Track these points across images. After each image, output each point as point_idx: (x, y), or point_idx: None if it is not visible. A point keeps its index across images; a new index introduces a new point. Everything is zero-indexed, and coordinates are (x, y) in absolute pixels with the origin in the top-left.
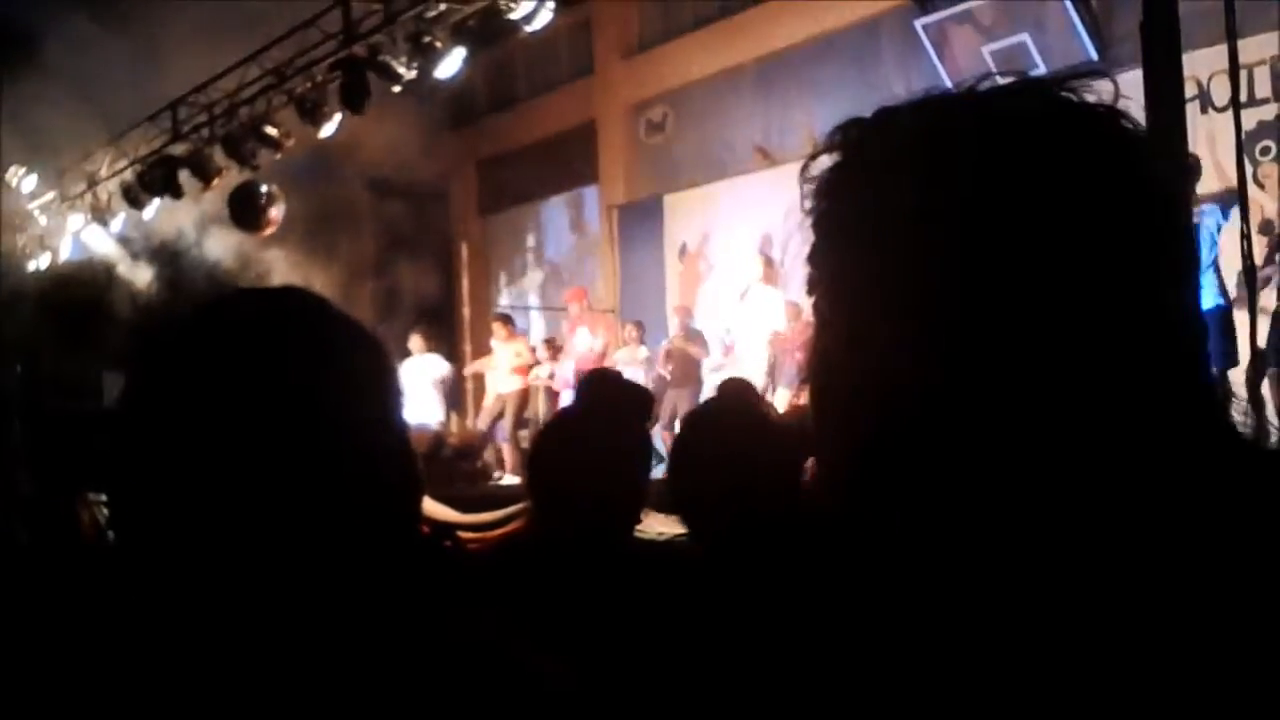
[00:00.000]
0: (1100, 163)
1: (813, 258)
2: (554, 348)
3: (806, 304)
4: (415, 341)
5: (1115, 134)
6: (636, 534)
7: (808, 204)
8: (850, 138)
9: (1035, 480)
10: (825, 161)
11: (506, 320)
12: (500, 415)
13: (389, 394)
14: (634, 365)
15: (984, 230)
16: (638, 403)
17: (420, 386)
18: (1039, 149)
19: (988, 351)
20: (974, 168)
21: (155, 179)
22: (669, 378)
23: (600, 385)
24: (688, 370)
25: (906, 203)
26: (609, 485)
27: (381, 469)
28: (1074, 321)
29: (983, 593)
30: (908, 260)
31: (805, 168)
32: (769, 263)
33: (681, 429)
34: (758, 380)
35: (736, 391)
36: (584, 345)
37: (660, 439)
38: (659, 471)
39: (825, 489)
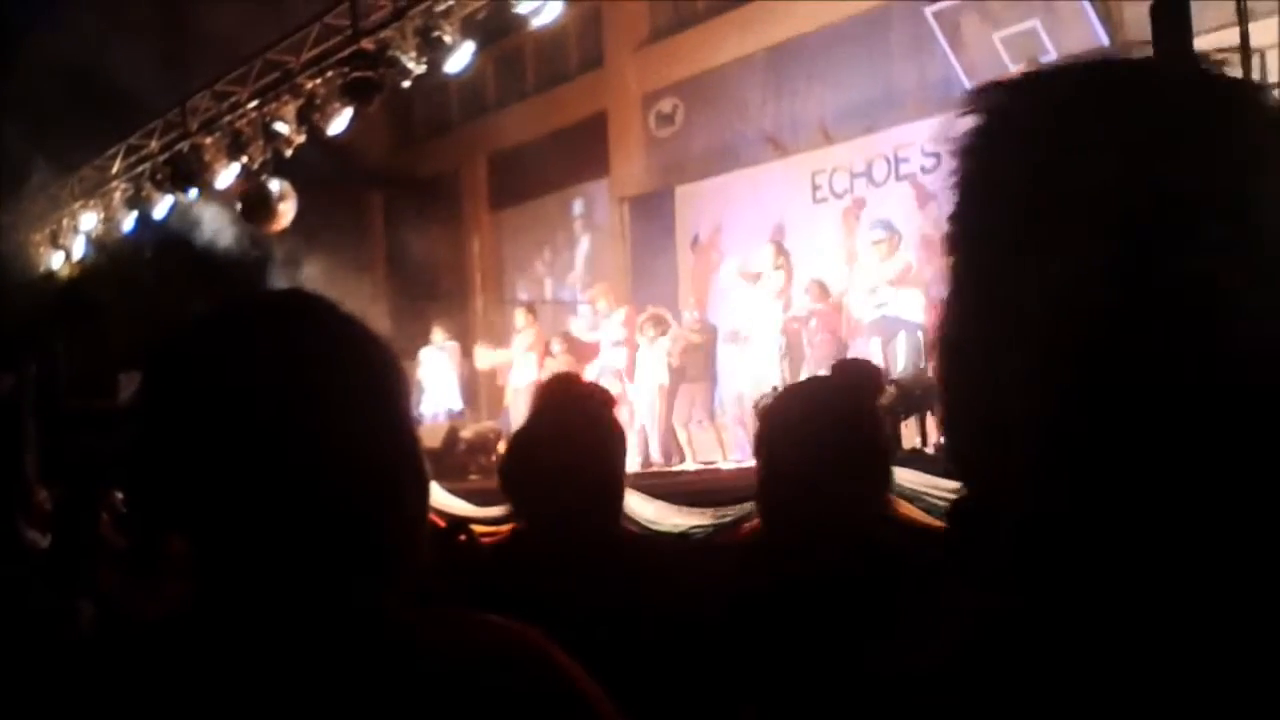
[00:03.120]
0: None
1: (952, 218)
2: (570, 342)
3: (830, 280)
4: (437, 333)
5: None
6: (653, 527)
7: (949, 163)
8: (994, 102)
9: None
10: (966, 122)
11: (530, 308)
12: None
13: (397, 395)
14: (655, 357)
15: (1147, 211)
16: (597, 404)
17: (443, 374)
18: (1209, 124)
19: (1142, 359)
20: (1138, 144)
21: (166, 177)
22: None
23: (557, 393)
24: (700, 364)
25: (1056, 177)
26: (581, 488)
27: (389, 470)
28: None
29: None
30: (1050, 238)
31: (946, 127)
32: (780, 250)
33: (772, 406)
34: (773, 367)
35: (846, 375)
36: (613, 339)
37: (682, 433)
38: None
39: (949, 458)
